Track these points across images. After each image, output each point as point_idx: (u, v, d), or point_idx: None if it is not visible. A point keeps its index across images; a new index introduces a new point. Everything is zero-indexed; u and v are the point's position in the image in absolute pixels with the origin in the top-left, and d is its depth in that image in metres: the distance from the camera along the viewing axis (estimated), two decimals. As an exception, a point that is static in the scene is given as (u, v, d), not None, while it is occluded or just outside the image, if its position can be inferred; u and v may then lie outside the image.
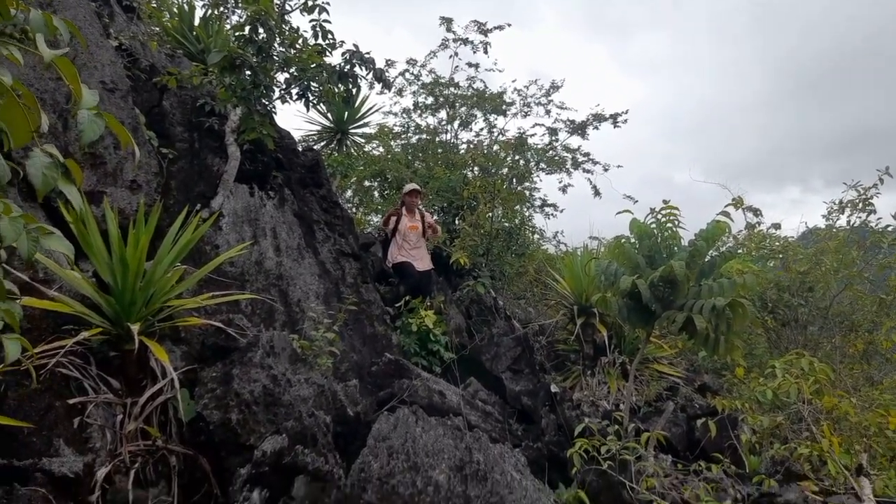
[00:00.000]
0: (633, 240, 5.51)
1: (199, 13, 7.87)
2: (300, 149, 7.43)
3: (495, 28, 10.34)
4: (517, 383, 6.75)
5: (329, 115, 10.40)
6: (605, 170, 10.02)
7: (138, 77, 5.74)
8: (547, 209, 10.37)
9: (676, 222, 5.31)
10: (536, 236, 10.65)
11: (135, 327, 3.45)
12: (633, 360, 5.82)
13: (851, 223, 7.54)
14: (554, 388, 6.62)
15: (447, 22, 10.39)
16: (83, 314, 3.53)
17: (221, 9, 7.33)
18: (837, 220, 7.75)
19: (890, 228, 7.23)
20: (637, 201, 9.13)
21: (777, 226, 8.21)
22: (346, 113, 10.31)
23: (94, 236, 3.73)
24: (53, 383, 3.30)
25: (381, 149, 10.84)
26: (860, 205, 7.18)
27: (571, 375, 7.36)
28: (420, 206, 7.64)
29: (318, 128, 10.66)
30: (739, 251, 7.83)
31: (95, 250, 3.72)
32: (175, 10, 8.02)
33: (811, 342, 7.56)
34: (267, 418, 3.50)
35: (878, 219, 7.35)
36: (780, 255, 7.93)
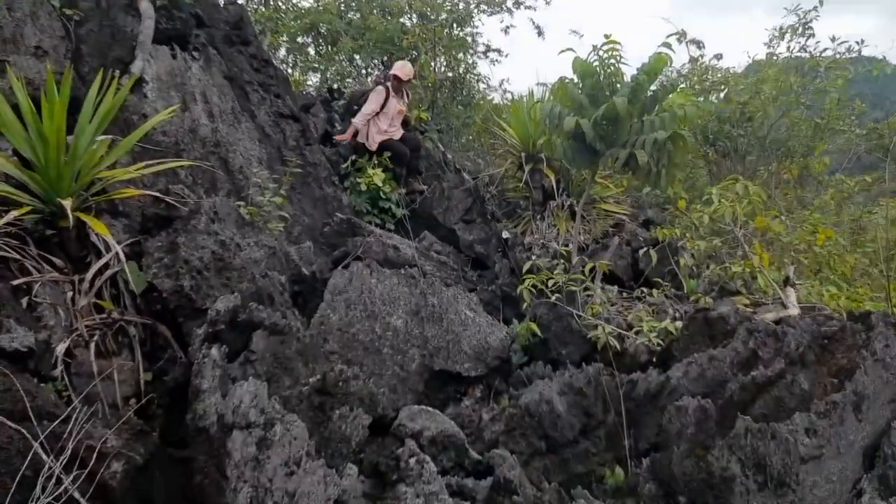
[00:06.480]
0: (575, 80, 5.42)
1: None
2: (221, 3, 6.84)
3: None
4: (470, 233, 6.90)
5: (249, -37, 9.52)
6: (547, 3, 9.61)
7: (22, -73, 5.04)
8: (491, 55, 10.01)
9: (619, 58, 5.21)
10: (482, 85, 10.38)
11: (67, 203, 3.32)
12: (580, 201, 5.97)
13: (791, 49, 7.55)
14: (505, 235, 6.80)
15: None
16: (9, 193, 3.37)
17: None
18: (778, 46, 7.75)
19: (828, 52, 7.28)
20: (583, 35, 8.81)
21: (719, 56, 8.19)
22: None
23: (3, 110, 3.46)
24: (-9, 266, 3.22)
25: None
26: (800, 29, 7.15)
27: (522, 221, 7.56)
28: (407, 89, 7.25)
29: (240, -20, 9.77)
30: (682, 85, 7.82)
31: (9, 125, 3.47)
32: None
33: (749, 170, 7.85)
34: (220, 282, 3.53)
35: (817, 42, 7.38)
36: (723, 87, 7.98)
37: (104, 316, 3.44)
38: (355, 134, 7.06)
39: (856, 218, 7.22)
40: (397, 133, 7.10)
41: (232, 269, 3.63)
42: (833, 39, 6.92)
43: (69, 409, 2.72)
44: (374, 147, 6.93)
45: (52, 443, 2.49)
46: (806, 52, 7.31)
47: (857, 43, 7.23)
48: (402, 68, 6.98)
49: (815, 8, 6.92)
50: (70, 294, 3.47)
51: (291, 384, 3.12)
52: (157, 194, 3.83)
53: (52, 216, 3.54)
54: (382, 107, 6.93)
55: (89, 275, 3.48)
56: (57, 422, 2.57)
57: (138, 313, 3.61)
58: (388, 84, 6.97)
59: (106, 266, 3.56)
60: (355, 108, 7.11)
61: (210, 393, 2.59)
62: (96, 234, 3.59)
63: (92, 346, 3.28)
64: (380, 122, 6.98)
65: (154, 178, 4.46)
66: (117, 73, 4.85)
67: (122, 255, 3.46)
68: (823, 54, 7.25)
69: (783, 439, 3.05)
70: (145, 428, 2.90)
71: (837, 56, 7.28)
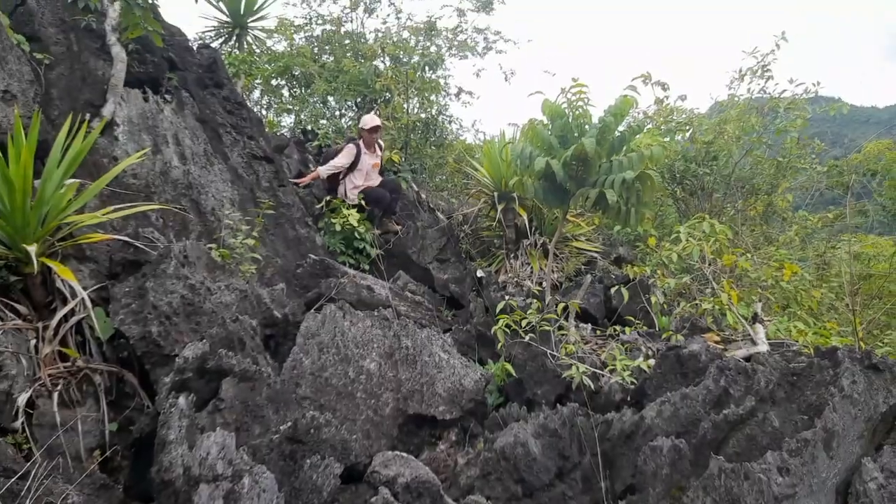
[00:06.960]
0: (545, 121, 5.55)
1: None
2: (195, 47, 6.89)
3: None
4: (444, 272, 6.92)
5: (223, 7, 9.59)
6: (517, 45, 9.86)
7: (-8, -28, 5.06)
8: (463, 97, 10.18)
9: (586, 100, 5.36)
10: (454, 126, 10.53)
11: (32, 249, 3.27)
12: (553, 240, 6.04)
13: (751, 91, 7.84)
14: (480, 273, 6.82)
15: None
16: (-29, 240, 3.31)
17: None
18: (738, 88, 8.04)
19: (786, 93, 7.56)
20: (555, 74, 8.98)
21: (683, 97, 8.44)
22: (243, 3, 9.53)
23: (-32, 156, 3.41)
24: (-49, 315, 3.13)
25: (284, 43, 10.20)
26: (759, 71, 7.44)
27: (496, 260, 7.61)
28: (379, 140, 7.27)
29: (214, 23, 9.87)
30: (648, 126, 8.04)
31: (-27, 171, 3.42)
32: None
33: (716, 208, 8.04)
34: (189, 328, 3.47)
35: (776, 84, 7.68)
36: (688, 128, 8.21)
37: (69, 364, 3.36)
38: (331, 191, 7.07)
39: (820, 253, 7.41)
40: (374, 183, 7.15)
41: (202, 313, 3.58)
42: (791, 81, 7.21)
43: (29, 464, 2.63)
44: (353, 202, 6.95)
45: (8, 500, 2.39)
46: (766, 93, 7.60)
47: (814, 84, 7.54)
48: (372, 120, 7.01)
49: (772, 52, 7.24)
50: (34, 342, 3.38)
51: (262, 432, 3.05)
52: (126, 238, 3.79)
53: (16, 262, 3.47)
54: (355, 164, 6.98)
55: (54, 322, 3.41)
56: (15, 478, 2.48)
57: (104, 361, 3.53)
58: (360, 142, 7.03)
59: (71, 312, 3.49)
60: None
61: (177, 444, 2.52)
62: (62, 280, 3.52)
63: (55, 395, 3.19)
64: (354, 179, 7.02)
65: (123, 221, 4.41)
66: (88, 116, 4.84)
67: (88, 302, 3.40)
68: (783, 95, 7.53)
69: (756, 479, 3.05)
70: (108, 482, 2.81)
71: (795, 97, 7.57)
